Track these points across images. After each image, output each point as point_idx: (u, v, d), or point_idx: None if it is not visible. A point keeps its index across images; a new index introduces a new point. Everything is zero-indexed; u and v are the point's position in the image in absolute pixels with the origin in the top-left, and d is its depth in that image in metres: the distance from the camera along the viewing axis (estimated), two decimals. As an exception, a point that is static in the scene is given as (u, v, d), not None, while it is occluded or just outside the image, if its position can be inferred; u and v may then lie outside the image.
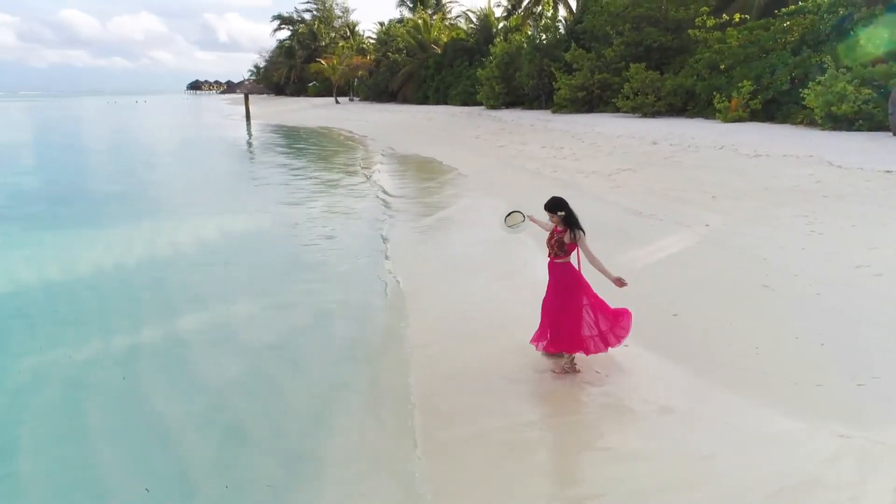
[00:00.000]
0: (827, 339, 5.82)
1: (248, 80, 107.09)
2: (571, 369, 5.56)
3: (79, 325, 7.56)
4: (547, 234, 5.58)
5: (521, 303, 7.24)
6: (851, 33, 20.21)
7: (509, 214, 5.81)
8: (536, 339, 5.74)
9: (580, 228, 5.33)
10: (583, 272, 5.53)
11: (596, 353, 5.56)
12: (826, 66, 18.85)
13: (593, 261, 5.31)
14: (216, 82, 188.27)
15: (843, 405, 4.76)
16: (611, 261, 5.51)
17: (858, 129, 17.50)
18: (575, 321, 5.45)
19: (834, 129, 18.02)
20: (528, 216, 5.80)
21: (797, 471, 4.04)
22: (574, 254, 5.47)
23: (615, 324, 5.53)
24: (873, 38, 18.96)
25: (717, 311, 6.76)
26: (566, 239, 5.34)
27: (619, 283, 5.32)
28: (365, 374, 6.03)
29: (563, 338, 5.49)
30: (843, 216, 9.49)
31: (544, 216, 5.53)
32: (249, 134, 39.65)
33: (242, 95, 56.39)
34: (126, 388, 5.89)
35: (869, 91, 17.49)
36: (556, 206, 5.33)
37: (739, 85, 22.32)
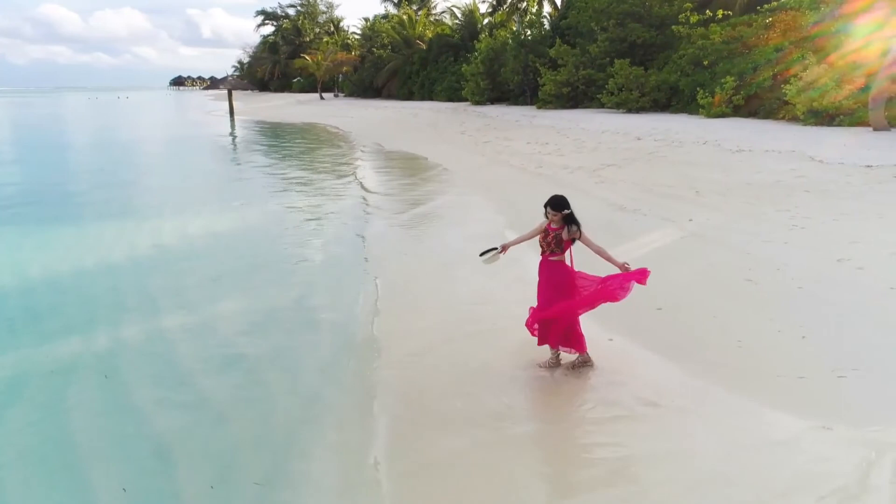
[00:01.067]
0: (808, 331, 5.87)
1: (232, 76, 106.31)
2: (556, 363, 5.58)
3: (60, 324, 7.44)
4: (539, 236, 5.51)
5: (511, 300, 7.24)
6: (833, 30, 20.41)
7: (484, 253, 5.72)
8: (530, 322, 5.64)
9: (577, 225, 5.31)
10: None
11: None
12: (807, 61, 19.02)
13: (599, 251, 5.31)
14: (199, 78, 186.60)
15: (826, 397, 4.80)
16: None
17: (839, 125, 17.69)
18: (571, 319, 5.42)
19: (815, 124, 18.21)
20: (503, 246, 5.68)
21: (782, 463, 4.08)
22: (568, 252, 5.43)
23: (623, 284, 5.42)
24: (854, 35, 19.15)
25: (701, 305, 6.80)
26: (564, 236, 5.31)
27: (625, 268, 5.35)
28: (350, 373, 5.97)
29: (560, 336, 5.46)
30: (825, 211, 9.59)
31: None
32: (233, 131, 39.29)
33: (226, 91, 55.92)
34: (108, 386, 5.80)
35: (849, 87, 17.69)
36: (560, 204, 5.29)
37: (722, 81, 22.48)
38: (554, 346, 5.58)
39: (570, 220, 5.31)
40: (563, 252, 5.40)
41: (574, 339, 5.51)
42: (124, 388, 5.78)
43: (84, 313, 7.79)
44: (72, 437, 5.02)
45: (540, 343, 5.62)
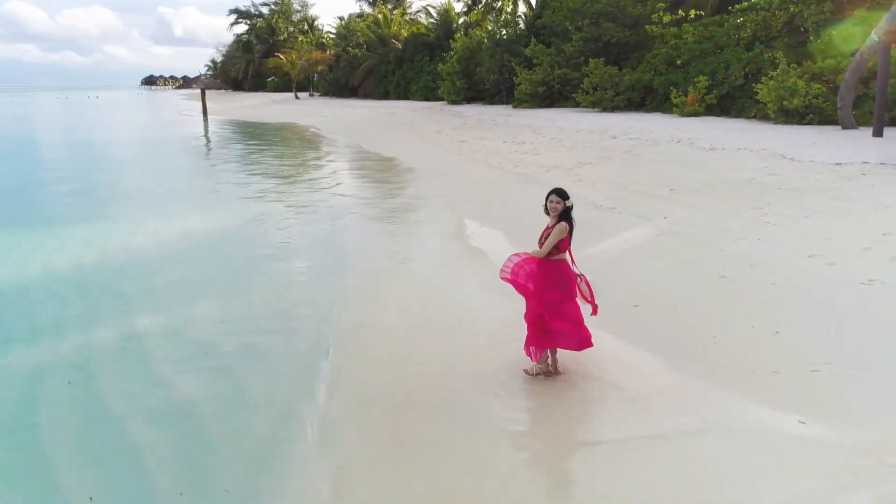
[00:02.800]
0: (782, 326, 5.92)
1: (205, 75, 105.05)
2: (544, 368, 5.41)
3: (28, 327, 7.23)
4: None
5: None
6: (802, 30, 20.80)
7: None
8: (529, 344, 5.46)
9: (567, 221, 5.16)
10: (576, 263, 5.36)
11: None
12: (778, 61, 19.33)
13: (541, 247, 5.17)
14: (171, 77, 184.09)
15: (799, 391, 4.84)
16: (574, 254, 5.45)
17: (809, 123, 18.02)
18: (575, 317, 5.25)
19: (786, 122, 18.52)
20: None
21: (761, 457, 4.09)
22: (568, 252, 5.27)
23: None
24: (824, 36, 19.53)
25: (677, 301, 6.84)
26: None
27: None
28: (327, 379, 5.85)
29: (564, 337, 5.26)
30: (797, 208, 9.72)
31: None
32: (206, 131, 38.74)
33: (199, 91, 55.13)
34: (76, 391, 5.64)
35: (819, 86, 18.02)
36: (565, 193, 5.21)
37: (695, 80, 22.75)
38: (542, 350, 5.41)
39: (564, 216, 5.18)
40: (559, 251, 5.20)
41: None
42: (93, 393, 5.62)
43: (53, 317, 7.57)
44: (39, 444, 4.86)
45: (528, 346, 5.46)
